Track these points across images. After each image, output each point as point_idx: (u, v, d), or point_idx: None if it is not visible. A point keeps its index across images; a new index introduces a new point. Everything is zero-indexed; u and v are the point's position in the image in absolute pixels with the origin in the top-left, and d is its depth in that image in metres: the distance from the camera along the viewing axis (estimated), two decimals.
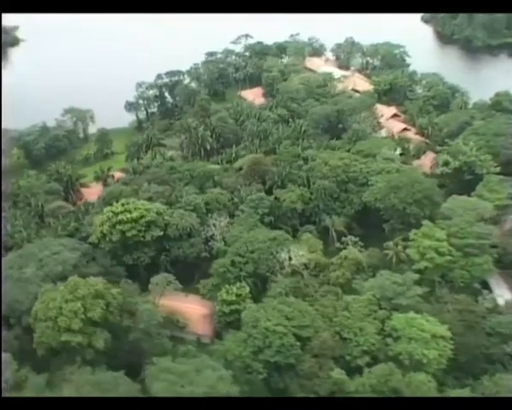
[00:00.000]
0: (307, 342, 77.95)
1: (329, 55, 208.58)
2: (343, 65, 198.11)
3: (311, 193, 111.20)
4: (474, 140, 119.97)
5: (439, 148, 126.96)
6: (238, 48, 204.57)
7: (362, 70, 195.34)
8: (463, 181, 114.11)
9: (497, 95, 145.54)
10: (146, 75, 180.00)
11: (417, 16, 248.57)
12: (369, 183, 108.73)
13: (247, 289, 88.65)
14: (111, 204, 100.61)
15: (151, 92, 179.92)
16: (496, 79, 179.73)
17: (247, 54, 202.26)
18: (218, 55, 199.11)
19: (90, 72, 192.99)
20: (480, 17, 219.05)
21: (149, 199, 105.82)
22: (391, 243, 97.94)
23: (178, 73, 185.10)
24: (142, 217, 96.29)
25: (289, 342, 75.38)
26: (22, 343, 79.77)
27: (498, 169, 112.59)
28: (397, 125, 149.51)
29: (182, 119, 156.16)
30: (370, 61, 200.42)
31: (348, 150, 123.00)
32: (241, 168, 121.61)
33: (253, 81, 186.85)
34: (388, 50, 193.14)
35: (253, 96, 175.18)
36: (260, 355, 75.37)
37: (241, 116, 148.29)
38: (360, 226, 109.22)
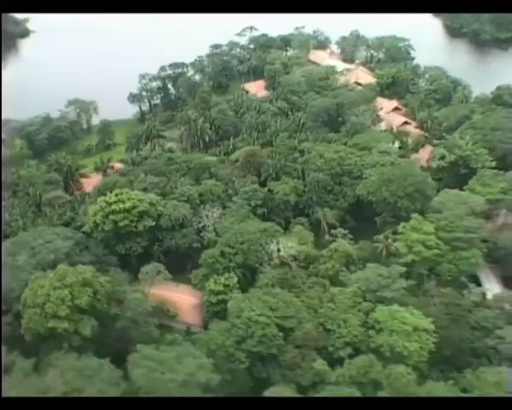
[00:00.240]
0: (290, 333, 78.42)
1: (334, 48, 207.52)
2: (348, 58, 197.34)
3: (305, 185, 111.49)
4: (471, 134, 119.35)
5: (436, 141, 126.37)
6: (243, 40, 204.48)
7: (366, 63, 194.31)
8: (459, 175, 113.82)
9: (499, 88, 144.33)
10: (149, 70, 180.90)
11: None
12: (363, 176, 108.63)
13: (235, 279, 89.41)
14: (106, 194, 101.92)
15: (154, 84, 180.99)
16: (503, 73, 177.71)
17: (252, 46, 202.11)
18: (223, 48, 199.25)
19: (93, 68, 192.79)
20: None
21: (144, 190, 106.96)
22: (381, 237, 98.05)
23: (182, 65, 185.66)
24: (134, 207, 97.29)
25: (272, 333, 75.87)
26: (13, 329, 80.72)
27: (494, 163, 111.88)
28: (397, 119, 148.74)
29: (184, 111, 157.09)
30: (375, 54, 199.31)
31: (345, 143, 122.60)
32: (237, 160, 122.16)
33: (256, 74, 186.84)
34: (393, 44, 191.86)
35: (256, 88, 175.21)
36: (243, 345, 76.08)
37: (241, 109, 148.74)
38: (353, 219, 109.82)
